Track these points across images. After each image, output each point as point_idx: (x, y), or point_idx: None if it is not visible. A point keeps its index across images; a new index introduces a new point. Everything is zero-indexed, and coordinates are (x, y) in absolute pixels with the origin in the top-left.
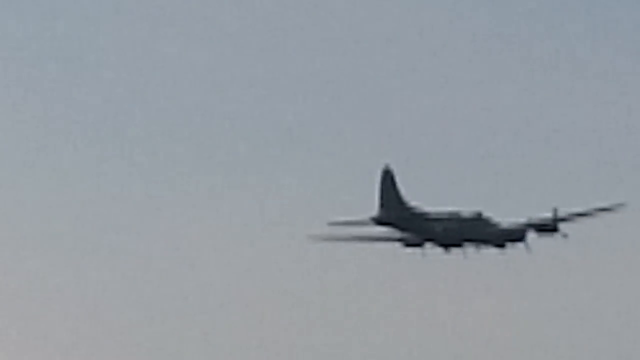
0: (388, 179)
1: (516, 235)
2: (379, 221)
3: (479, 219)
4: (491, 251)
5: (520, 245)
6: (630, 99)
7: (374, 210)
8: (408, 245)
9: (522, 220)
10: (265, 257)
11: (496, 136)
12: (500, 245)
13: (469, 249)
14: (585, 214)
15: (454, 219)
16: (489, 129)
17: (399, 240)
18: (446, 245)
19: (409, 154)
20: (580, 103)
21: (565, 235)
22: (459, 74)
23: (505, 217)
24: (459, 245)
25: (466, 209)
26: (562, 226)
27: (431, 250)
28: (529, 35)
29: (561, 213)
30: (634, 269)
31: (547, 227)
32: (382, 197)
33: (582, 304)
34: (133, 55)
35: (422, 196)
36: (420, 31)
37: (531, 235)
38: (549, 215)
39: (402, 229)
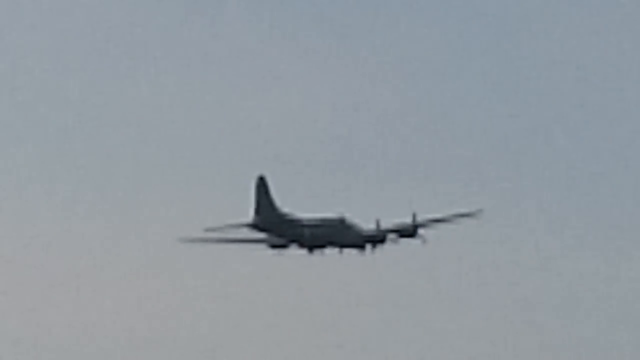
0: (262, 187)
1: (377, 238)
2: (254, 226)
3: (342, 224)
4: (352, 252)
5: (380, 246)
6: (491, 102)
7: (248, 216)
8: (274, 246)
9: (386, 225)
10: (137, 259)
11: (362, 144)
12: (361, 247)
13: (331, 250)
14: (444, 219)
15: (320, 224)
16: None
17: (265, 242)
18: (311, 247)
19: (282, 161)
20: (446, 108)
21: (424, 240)
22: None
23: (370, 223)
24: (323, 247)
25: (331, 215)
26: (423, 231)
27: (296, 251)
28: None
29: (422, 219)
30: (487, 270)
31: (407, 232)
32: (257, 204)
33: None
34: None
35: (293, 202)
36: None
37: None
38: (408, 221)
39: (275, 234)
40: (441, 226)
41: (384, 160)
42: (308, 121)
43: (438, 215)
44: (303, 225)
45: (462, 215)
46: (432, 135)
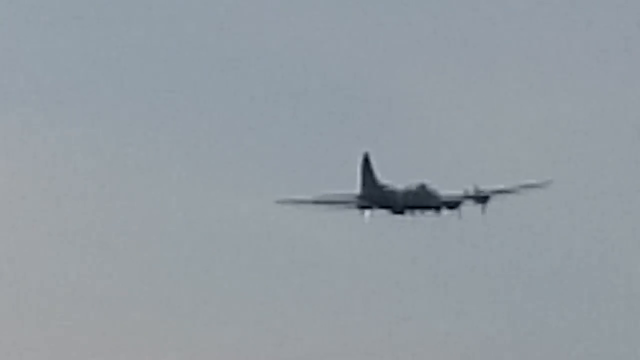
0: (367, 163)
1: (452, 203)
2: (362, 198)
3: (424, 190)
4: (430, 215)
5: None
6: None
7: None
8: (362, 207)
9: (459, 192)
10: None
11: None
12: (439, 210)
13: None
14: (512, 190)
15: (408, 192)
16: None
17: (356, 204)
18: (402, 211)
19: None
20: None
21: (459, 216)
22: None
23: (447, 189)
24: (411, 210)
25: (415, 183)
26: (493, 198)
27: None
28: None
29: (496, 187)
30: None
31: (479, 198)
32: (363, 179)
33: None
34: None
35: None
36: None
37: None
38: (481, 188)
39: (376, 204)
40: (509, 196)
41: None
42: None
43: (505, 186)
44: (396, 194)
45: (532, 186)
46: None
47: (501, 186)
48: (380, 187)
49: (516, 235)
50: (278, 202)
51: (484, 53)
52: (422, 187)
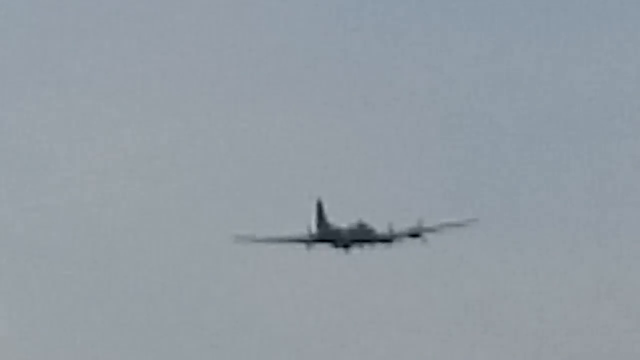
0: (320, 209)
1: (387, 238)
2: (317, 238)
3: (363, 228)
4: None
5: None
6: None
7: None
8: (319, 242)
9: (396, 228)
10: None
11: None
12: (376, 243)
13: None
14: (443, 226)
15: (351, 230)
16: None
17: (307, 241)
18: (346, 246)
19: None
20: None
21: (425, 240)
22: None
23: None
24: (350, 244)
25: (354, 222)
26: (425, 235)
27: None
28: None
29: (425, 224)
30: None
31: (413, 234)
32: (318, 222)
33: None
34: None
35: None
36: None
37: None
38: (414, 225)
39: (328, 241)
40: (442, 231)
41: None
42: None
43: (439, 222)
44: (342, 232)
45: (457, 225)
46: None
47: (431, 224)
48: (330, 227)
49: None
50: (237, 237)
51: None
52: (361, 225)
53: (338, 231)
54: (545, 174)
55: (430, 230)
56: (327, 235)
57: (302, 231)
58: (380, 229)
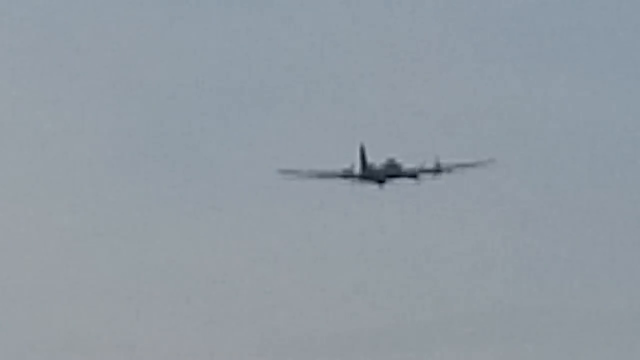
0: (363, 151)
1: (414, 173)
2: (359, 175)
3: (394, 164)
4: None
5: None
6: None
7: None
8: (362, 179)
9: (418, 165)
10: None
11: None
12: (409, 177)
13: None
14: (462, 165)
15: (385, 167)
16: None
17: (350, 177)
18: (381, 182)
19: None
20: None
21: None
22: None
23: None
24: (386, 179)
25: (386, 159)
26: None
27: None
28: None
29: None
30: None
31: (435, 170)
32: (362, 162)
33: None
34: None
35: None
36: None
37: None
38: (434, 163)
39: (368, 178)
40: (459, 170)
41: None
42: None
43: (457, 161)
44: (378, 170)
45: (476, 164)
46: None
47: (456, 161)
48: (369, 167)
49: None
50: (280, 171)
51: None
52: (391, 161)
53: (376, 170)
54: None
55: (451, 167)
56: (367, 173)
57: (339, 167)
58: (406, 165)
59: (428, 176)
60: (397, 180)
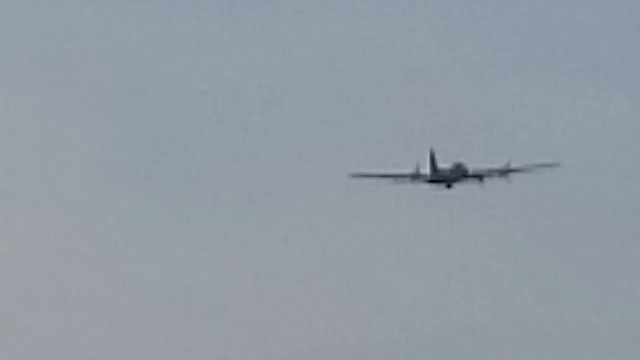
0: (433, 156)
1: (480, 175)
2: (429, 179)
3: (461, 168)
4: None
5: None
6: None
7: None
8: (432, 182)
9: (486, 168)
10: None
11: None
12: (477, 179)
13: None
14: (526, 169)
15: (453, 171)
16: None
17: (418, 178)
18: (450, 185)
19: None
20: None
21: (509, 178)
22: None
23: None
24: (454, 182)
25: (455, 163)
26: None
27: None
28: None
29: (512, 166)
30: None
31: (501, 173)
32: (432, 166)
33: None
34: None
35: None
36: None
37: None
38: (501, 166)
39: (437, 181)
40: (527, 172)
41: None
42: None
43: (521, 165)
44: (446, 174)
45: (543, 166)
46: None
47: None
48: (439, 171)
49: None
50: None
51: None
52: (459, 165)
53: (444, 174)
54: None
55: (517, 170)
56: (437, 177)
57: (409, 170)
58: (473, 168)
59: (495, 179)
60: (464, 183)
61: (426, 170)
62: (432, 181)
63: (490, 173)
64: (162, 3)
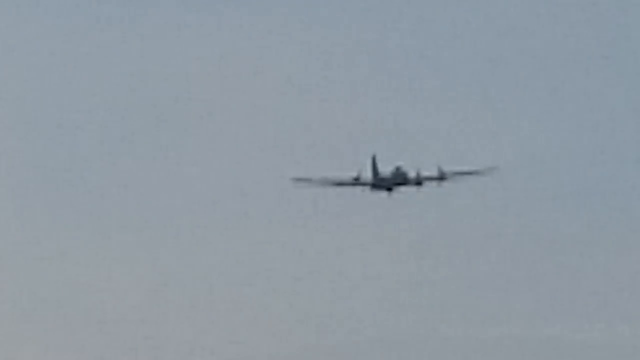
0: (374, 162)
1: (419, 180)
2: (370, 183)
3: (400, 172)
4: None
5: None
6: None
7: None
8: (373, 187)
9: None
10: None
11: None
12: (416, 184)
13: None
14: (464, 172)
15: (393, 175)
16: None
17: (362, 185)
18: (390, 189)
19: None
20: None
21: (447, 182)
22: None
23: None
24: (394, 187)
25: (393, 167)
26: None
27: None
28: None
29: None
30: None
31: (439, 178)
32: (373, 171)
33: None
34: None
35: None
36: None
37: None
38: (435, 172)
39: (378, 186)
40: (462, 178)
41: None
42: None
43: (460, 169)
44: (387, 179)
45: (478, 172)
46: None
47: (458, 169)
48: (379, 176)
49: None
50: (294, 179)
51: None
52: (398, 169)
53: (385, 179)
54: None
55: (453, 174)
56: (378, 182)
57: (348, 175)
58: (412, 173)
59: (432, 184)
60: (403, 188)
61: (367, 174)
62: (373, 185)
63: (428, 178)
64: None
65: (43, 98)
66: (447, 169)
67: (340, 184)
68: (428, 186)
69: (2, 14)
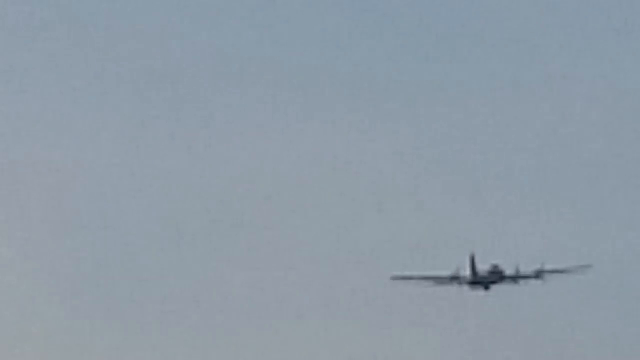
0: (473, 260)
1: (515, 277)
2: (469, 281)
3: (497, 270)
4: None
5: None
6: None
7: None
8: (471, 285)
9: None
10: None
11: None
12: (513, 281)
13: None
14: (559, 271)
15: (490, 273)
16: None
17: (459, 282)
18: (487, 287)
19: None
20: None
21: (544, 281)
22: None
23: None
24: (491, 284)
25: (490, 265)
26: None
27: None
28: None
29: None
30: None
31: (536, 276)
32: (472, 269)
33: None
34: None
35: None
36: None
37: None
38: (538, 268)
39: (476, 283)
40: (555, 276)
41: None
42: None
43: (555, 267)
44: (485, 277)
45: (573, 270)
46: None
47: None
48: (478, 274)
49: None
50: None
51: None
52: (495, 267)
53: (483, 277)
54: None
55: (550, 272)
56: (476, 279)
57: (446, 272)
58: (509, 271)
59: (529, 281)
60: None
61: (465, 272)
62: (471, 283)
63: (524, 276)
64: None
65: None
66: (544, 267)
67: (438, 281)
68: (524, 284)
69: None
